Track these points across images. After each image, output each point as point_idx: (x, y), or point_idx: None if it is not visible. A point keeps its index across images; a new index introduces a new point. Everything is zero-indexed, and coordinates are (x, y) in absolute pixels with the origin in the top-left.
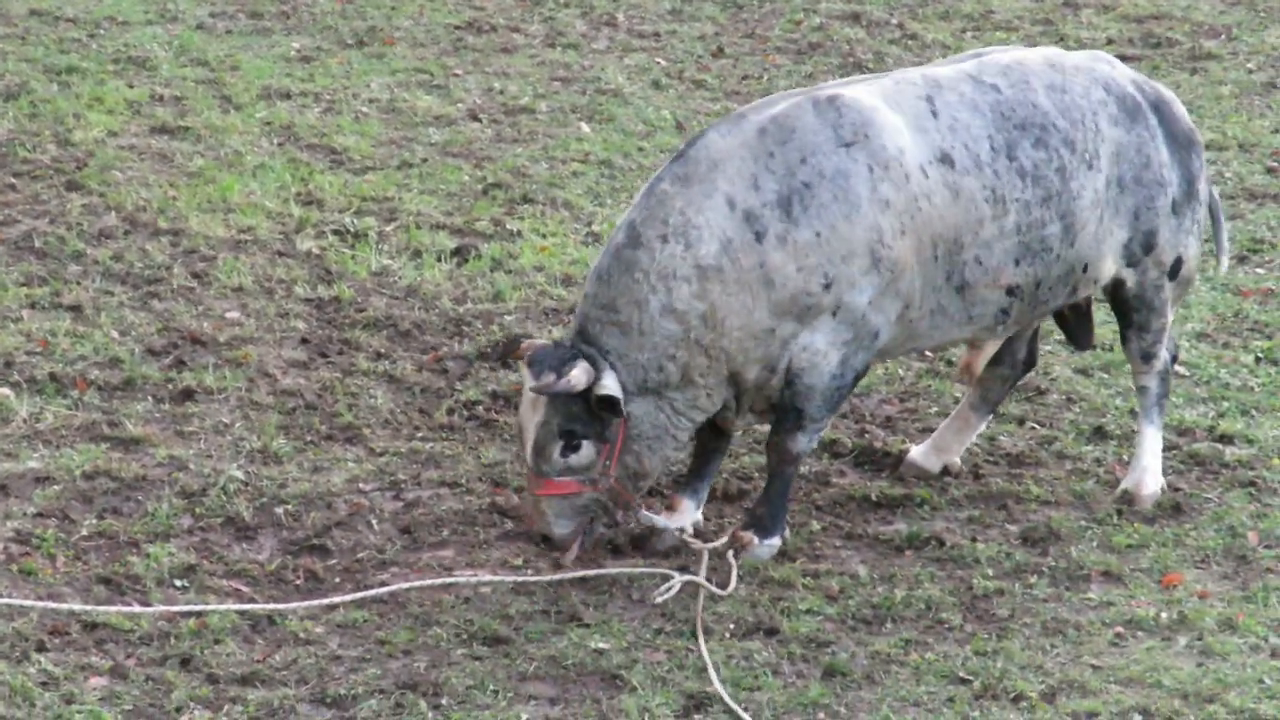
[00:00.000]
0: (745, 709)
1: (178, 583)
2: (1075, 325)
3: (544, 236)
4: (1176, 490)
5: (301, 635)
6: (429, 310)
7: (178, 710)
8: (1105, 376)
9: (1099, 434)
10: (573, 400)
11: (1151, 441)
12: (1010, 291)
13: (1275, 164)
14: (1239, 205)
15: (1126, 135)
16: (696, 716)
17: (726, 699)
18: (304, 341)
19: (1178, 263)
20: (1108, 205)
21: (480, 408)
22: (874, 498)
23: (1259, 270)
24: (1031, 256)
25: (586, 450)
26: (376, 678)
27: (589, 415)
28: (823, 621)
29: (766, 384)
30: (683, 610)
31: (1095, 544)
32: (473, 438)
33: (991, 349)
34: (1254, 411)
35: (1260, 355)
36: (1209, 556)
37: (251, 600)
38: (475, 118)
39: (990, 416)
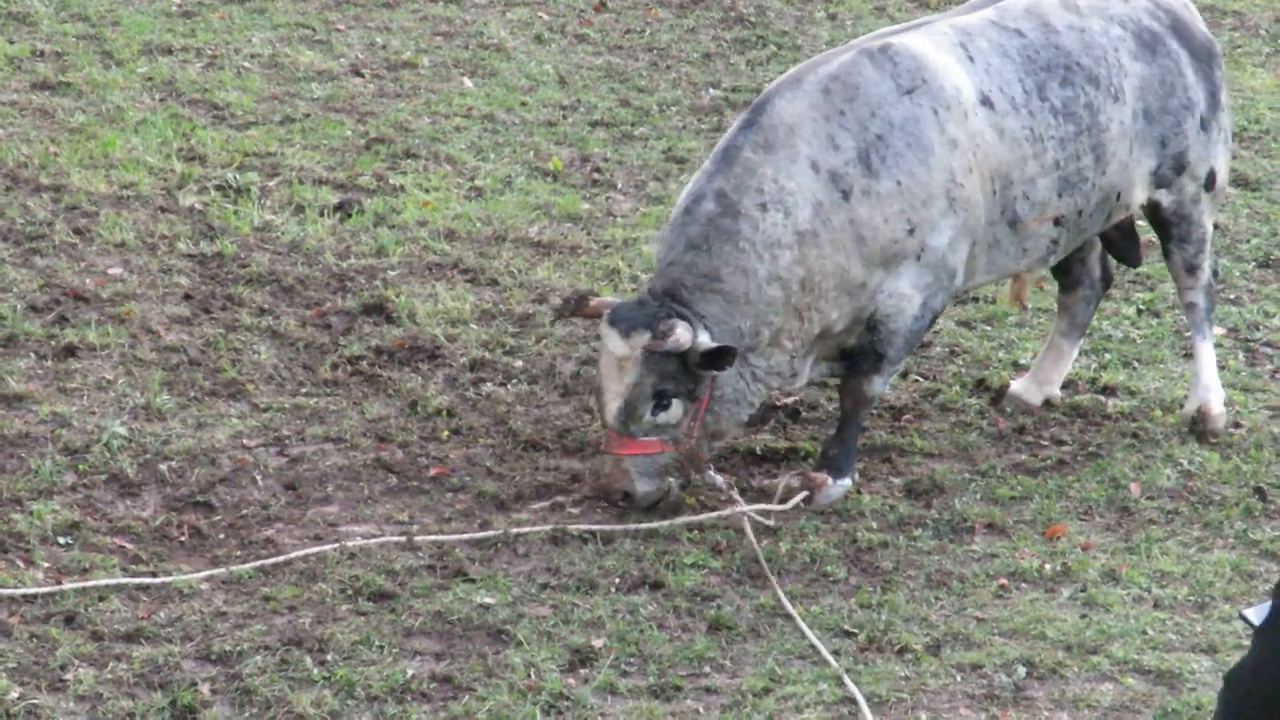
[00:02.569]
0: (630, 663)
1: (61, 540)
2: (1123, 245)
3: (427, 191)
4: (1060, 443)
5: (186, 592)
6: (312, 266)
7: (62, 668)
8: (988, 329)
9: (982, 386)
10: (668, 359)
11: (1208, 359)
12: (1057, 222)
13: None
14: None
15: (1148, 69)
16: (582, 670)
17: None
18: (187, 297)
19: (1211, 175)
20: (1135, 137)
21: (364, 363)
22: (758, 451)
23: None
24: (1071, 188)
25: (675, 409)
26: (262, 634)
27: (682, 374)
28: (708, 575)
29: (848, 333)
30: (568, 565)
31: (979, 496)
32: (357, 393)
33: (1036, 276)
34: (1136, 363)
35: (1142, 307)
36: (1092, 508)
37: (136, 558)
38: (358, 73)
39: (1081, 340)
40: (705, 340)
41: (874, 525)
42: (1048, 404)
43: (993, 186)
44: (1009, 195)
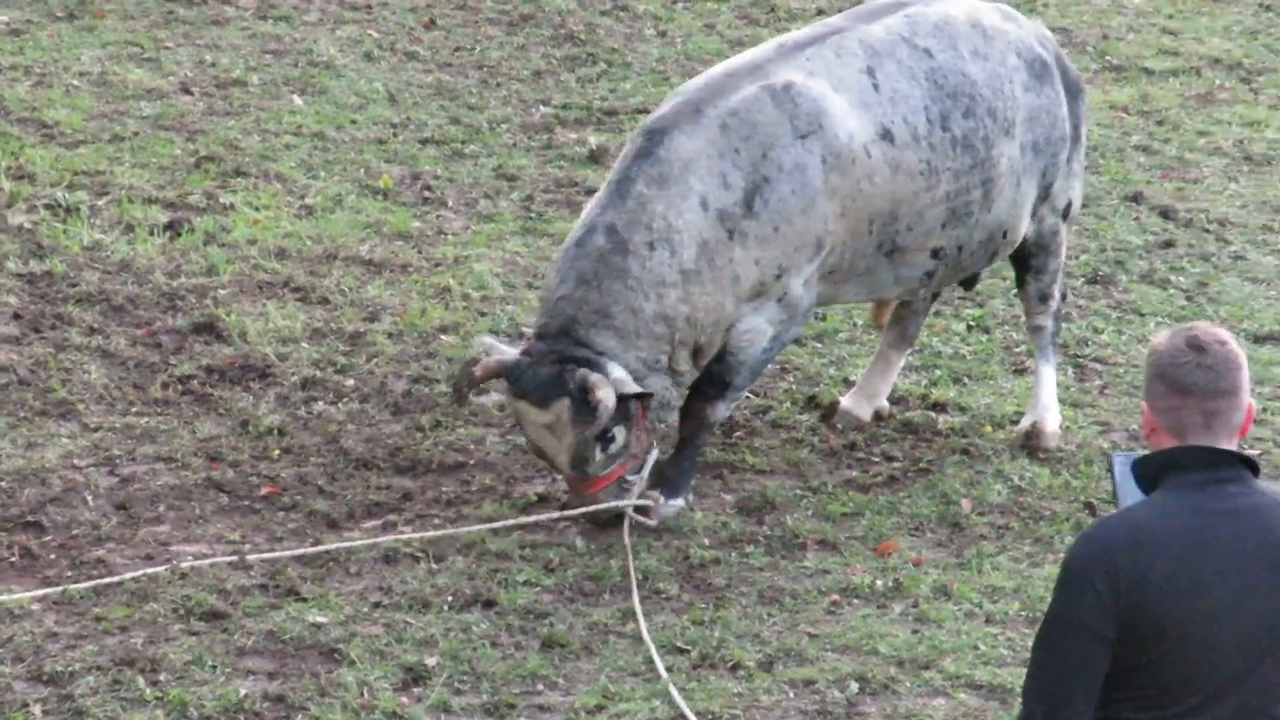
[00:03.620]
0: (463, 681)
1: None
2: None
3: (257, 210)
4: (891, 460)
5: (16, 612)
6: (142, 285)
7: None
8: (819, 346)
9: (813, 403)
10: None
11: (1048, 380)
12: (935, 254)
13: None
14: None
15: (1038, 100)
16: (416, 689)
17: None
18: (16, 317)
19: (1068, 206)
20: (1024, 171)
21: (195, 382)
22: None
23: None
24: (956, 221)
25: (620, 436)
26: (93, 654)
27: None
28: (540, 593)
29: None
30: (401, 583)
31: (811, 512)
32: (188, 412)
33: (898, 300)
34: (966, 379)
35: (972, 323)
36: (923, 524)
37: None
38: (187, 91)
39: (908, 352)
40: (622, 376)
41: (706, 542)
42: (878, 418)
43: (869, 227)
44: (890, 230)
